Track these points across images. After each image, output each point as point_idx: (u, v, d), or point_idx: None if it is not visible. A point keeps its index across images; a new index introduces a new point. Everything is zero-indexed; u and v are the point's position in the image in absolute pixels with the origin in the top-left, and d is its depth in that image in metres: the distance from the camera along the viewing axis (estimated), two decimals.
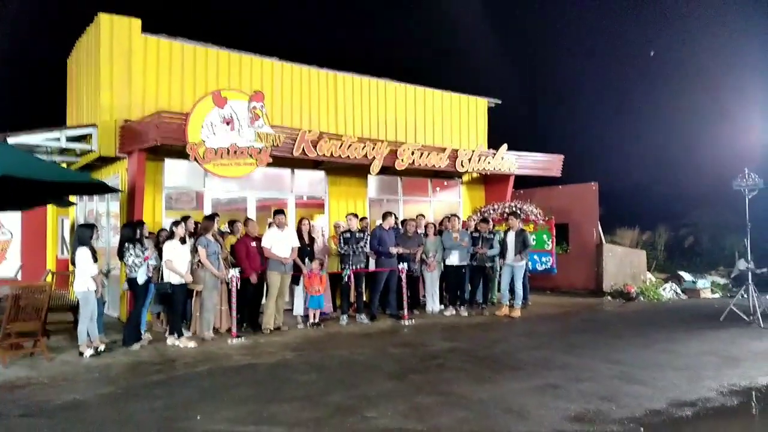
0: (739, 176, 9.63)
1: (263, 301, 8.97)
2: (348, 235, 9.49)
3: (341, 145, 10.16)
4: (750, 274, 9.60)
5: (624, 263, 13.38)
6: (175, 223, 7.82)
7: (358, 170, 11.26)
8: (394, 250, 9.72)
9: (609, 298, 12.56)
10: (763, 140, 17.00)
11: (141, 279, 7.46)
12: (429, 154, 11.43)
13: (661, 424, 4.59)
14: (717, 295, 12.85)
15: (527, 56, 28.15)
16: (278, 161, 9.79)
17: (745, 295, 9.61)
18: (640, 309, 11.33)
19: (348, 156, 10.28)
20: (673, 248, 16.77)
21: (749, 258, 9.70)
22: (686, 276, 13.39)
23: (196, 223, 8.41)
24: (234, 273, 8.05)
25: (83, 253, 7.08)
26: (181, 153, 8.94)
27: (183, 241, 7.75)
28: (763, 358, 6.86)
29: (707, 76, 23.84)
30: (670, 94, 23.92)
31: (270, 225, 9.09)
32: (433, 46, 29.64)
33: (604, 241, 13.50)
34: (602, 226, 13.77)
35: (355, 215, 9.99)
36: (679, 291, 12.85)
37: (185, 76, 10.32)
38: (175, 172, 9.94)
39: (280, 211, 9.05)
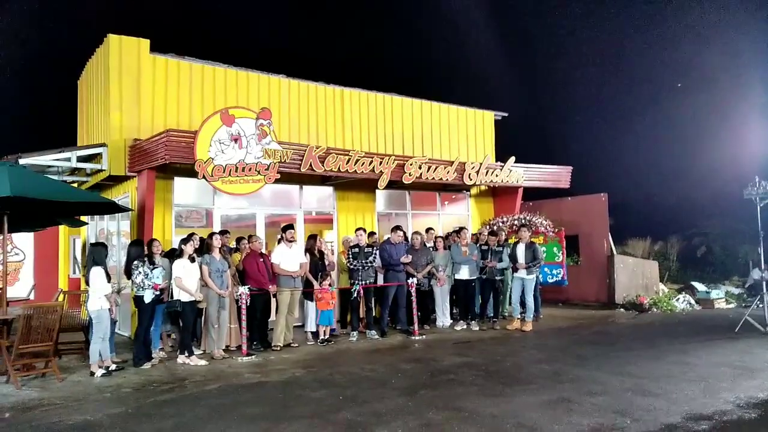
0: (749, 185, 9.55)
1: (272, 318, 8.96)
2: (357, 250, 9.49)
3: (349, 161, 10.20)
4: (765, 283, 9.47)
5: (636, 274, 13.25)
6: (184, 241, 7.86)
7: (366, 185, 11.29)
8: (405, 259, 9.70)
9: (621, 310, 12.43)
10: None
11: (148, 298, 7.48)
12: (436, 167, 11.44)
13: None
14: (732, 306, 12.68)
15: (534, 68, 28.20)
16: (286, 177, 9.84)
17: (761, 305, 9.47)
18: (654, 320, 11.19)
19: (355, 171, 10.31)
20: (685, 258, 16.60)
21: (763, 267, 9.58)
22: (699, 286, 13.24)
23: (201, 239, 8.44)
24: (243, 290, 8.06)
25: (97, 272, 7.13)
26: (190, 171, 9.01)
27: (192, 259, 7.78)
28: None
29: (715, 82, 23.76)
30: (678, 103, 23.85)
31: (279, 241, 9.11)
32: (439, 59, 29.80)
33: (615, 252, 13.39)
34: (613, 237, 13.67)
35: (364, 230, 10.00)
36: (692, 302, 12.69)
37: (193, 95, 10.44)
38: (184, 190, 10.01)
39: (289, 227, 9.08)
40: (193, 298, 7.66)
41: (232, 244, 9.18)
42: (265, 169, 9.19)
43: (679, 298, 12.71)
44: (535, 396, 5.79)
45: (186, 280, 7.61)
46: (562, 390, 5.98)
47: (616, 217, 14.28)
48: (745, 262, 13.30)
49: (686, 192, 19.64)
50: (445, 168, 11.57)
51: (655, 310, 12.23)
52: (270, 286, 8.52)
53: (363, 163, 10.37)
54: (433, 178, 11.41)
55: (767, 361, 7.13)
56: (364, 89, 12.64)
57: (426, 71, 27.63)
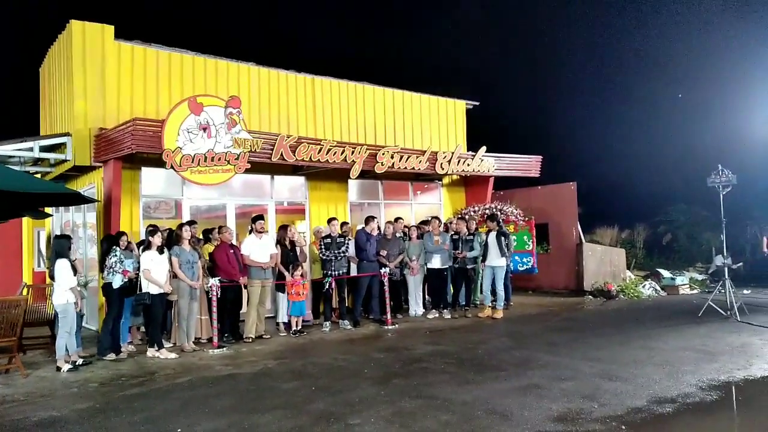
0: (713, 173, 9.79)
1: (244, 309, 8.89)
2: (329, 240, 9.45)
3: (320, 150, 10.12)
4: (726, 269, 9.76)
5: (604, 262, 13.51)
6: (151, 232, 7.71)
7: (338, 175, 11.22)
8: (384, 258, 9.73)
9: (590, 297, 12.67)
10: (735, 136, 17.35)
11: (116, 283, 7.38)
12: (408, 157, 11.44)
13: (642, 422, 4.63)
14: (695, 291, 13.04)
15: (506, 58, 28.36)
16: (257, 167, 9.72)
17: (723, 290, 9.76)
18: (621, 307, 11.45)
19: (327, 160, 10.24)
20: (651, 246, 17.00)
21: (726, 253, 9.87)
22: (665, 273, 13.58)
23: (170, 231, 8.29)
24: (214, 282, 7.97)
25: (62, 265, 6.95)
26: (157, 161, 8.83)
27: (161, 250, 7.65)
28: (740, 352, 6.96)
29: (680, 73, 24.28)
30: (645, 93, 24.30)
31: (250, 232, 9.02)
32: (412, 48, 29.74)
33: (584, 241, 13.63)
34: (582, 225, 13.90)
35: (336, 220, 9.96)
36: (658, 288, 13.02)
37: (160, 83, 10.20)
38: (152, 180, 9.81)
39: (259, 217, 8.99)
40: (162, 291, 7.54)
41: (200, 236, 9.04)
42: (235, 159, 9.05)
43: (645, 285, 13.02)
44: (506, 383, 5.87)
45: (154, 272, 7.48)
46: (532, 376, 6.08)
47: (585, 206, 14.51)
48: (708, 248, 13.68)
49: (653, 181, 20.09)
50: (417, 157, 11.57)
51: (622, 296, 12.51)
52: (240, 278, 8.43)
53: (335, 152, 10.30)
54: (406, 168, 11.40)
55: (728, 345, 7.36)
56: (336, 78, 12.54)
57: (398, 60, 27.57)
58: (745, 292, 11.35)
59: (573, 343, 7.80)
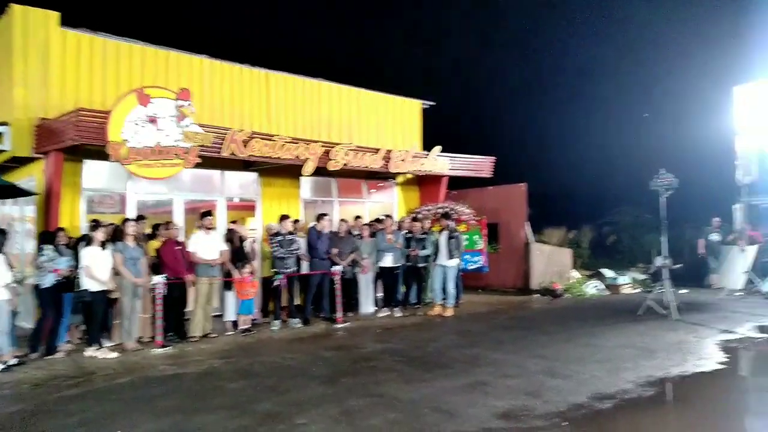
0: (655, 176, 10.14)
1: (190, 308, 8.67)
2: (280, 237, 9.34)
3: (273, 146, 9.98)
4: (666, 270, 10.15)
5: (551, 261, 13.84)
6: (92, 227, 7.43)
7: (291, 171, 11.09)
8: (335, 256, 9.69)
9: (537, 295, 12.96)
10: (678, 141, 18.10)
11: (47, 283, 7.14)
12: (363, 154, 11.42)
13: (582, 418, 4.76)
14: (637, 291, 13.50)
15: (463, 59, 28.71)
16: (207, 162, 9.50)
17: (662, 290, 10.14)
18: (566, 305, 11.76)
19: (280, 157, 10.11)
20: (596, 246, 17.50)
21: (665, 254, 10.26)
22: (608, 273, 14.01)
23: (115, 227, 8.00)
24: (159, 279, 7.75)
25: None
26: (101, 153, 8.50)
27: (103, 246, 7.38)
28: (676, 349, 7.25)
29: (625, 78, 25.17)
30: (595, 98, 25.05)
31: (198, 228, 8.81)
32: (369, 46, 29.72)
33: (532, 241, 13.92)
34: (531, 225, 14.19)
35: (288, 217, 9.85)
36: (601, 287, 13.43)
37: (107, 74, 9.85)
38: (95, 173, 9.44)
39: (207, 213, 8.80)
40: (103, 288, 7.28)
41: (149, 231, 8.78)
42: (185, 153, 8.83)
43: (589, 284, 13.40)
44: (453, 380, 5.94)
45: (95, 268, 7.21)
46: (479, 374, 6.17)
47: (535, 207, 14.80)
48: (649, 249, 14.18)
49: (600, 183, 20.71)
50: (371, 156, 11.57)
51: (567, 295, 12.85)
52: (187, 276, 8.23)
53: (288, 148, 10.18)
54: (360, 166, 11.39)
55: (665, 342, 7.66)
56: (291, 73, 12.40)
57: (355, 58, 27.50)
58: (682, 291, 11.83)
59: (520, 341, 7.96)
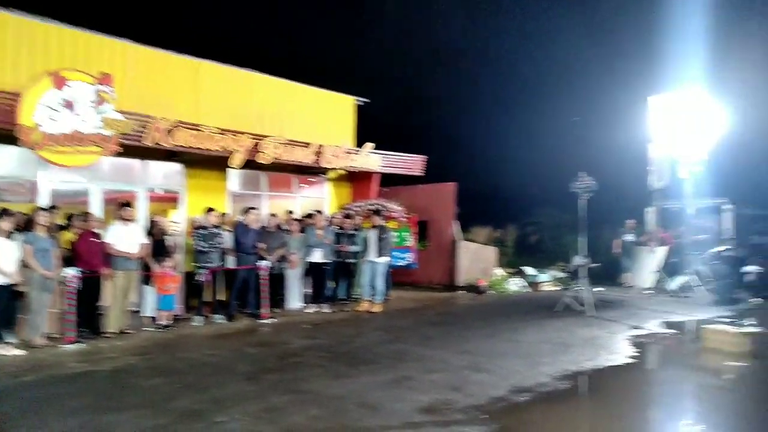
0: (575, 179, 10.61)
1: (105, 302, 8.24)
2: (204, 231, 9.06)
3: (200, 136, 9.66)
4: (584, 268, 10.65)
5: (477, 259, 14.21)
6: None
7: (218, 163, 10.75)
8: (263, 250, 9.48)
9: (463, 292, 13.26)
10: (597, 146, 19.00)
11: None
12: (294, 148, 11.26)
13: (502, 410, 4.90)
14: (557, 288, 14.08)
15: (395, 55, 28.88)
16: (129, 151, 9.08)
17: (580, 288, 10.62)
18: (490, 302, 12.10)
19: (207, 147, 9.80)
20: (520, 245, 18.15)
21: (584, 254, 10.77)
22: (530, 270, 14.54)
23: (26, 217, 7.49)
24: (72, 272, 7.32)
25: None
26: (10, 137, 7.93)
27: (10, 236, 6.89)
28: (590, 344, 7.61)
29: (551, 85, 26.20)
30: (520, 101, 25.91)
31: (116, 219, 8.40)
32: (303, 40, 29.36)
33: (460, 238, 14.23)
34: (460, 224, 14.50)
35: (214, 210, 9.56)
36: (524, 284, 13.91)
37: (20, 53, 9.17)
38: (4, 159, 8.79)
39: (126, 204, 8.41)
40: (7, 281, 6.79)
41: (62, 222, 8.27)
42: (103, 140, 8.38)
43: (512, 282, 13.86)
44: (379, 375, 5.96)
45: (1, 259, 6.72)
46: (405, 369, 6.22)
47: (463, 206, 15.14)
48: (569, 249, 14.82)
49: (525, 184, 21.42)
50: (303, 150, 11.43)
51: (492, 292, 13.22)
52: (103, 269, 7.81)
53: (216, 139, 9.88)
54: (291, 160, 11.23)
55: (581, 338, 8.02)
56: (221, 63, 12.04)
57: (290, 51, 27.09)
58: (598, 289, 12.44)
59: (445, 337, 8.11)
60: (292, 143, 11.33)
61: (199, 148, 9.71)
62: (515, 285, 13.73)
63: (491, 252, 14.75)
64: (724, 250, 11.85)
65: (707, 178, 13.88)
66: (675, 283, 12.90)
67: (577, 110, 22.30)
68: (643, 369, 6.82)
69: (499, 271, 14.32)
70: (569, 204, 11.10)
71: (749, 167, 15.96)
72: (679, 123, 14.01)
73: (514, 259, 16.32)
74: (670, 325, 9.06)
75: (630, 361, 6.78)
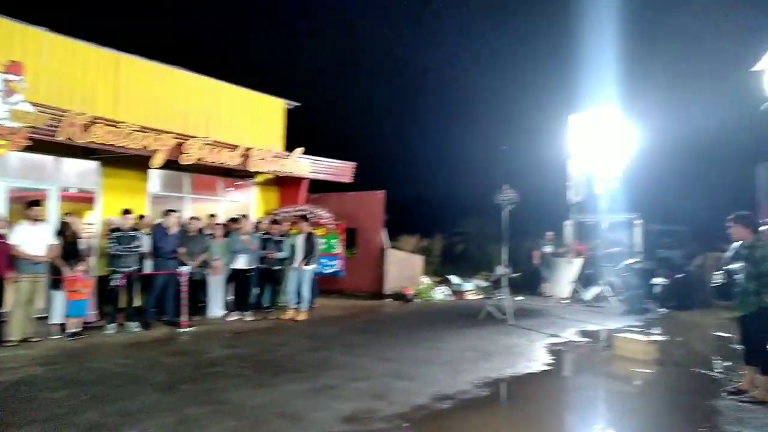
0: (499, 191, 10.93)
1: (7, 308, 7.64)
2: (120, 233, 8.61)
3: (119, 133, 9.19)
4: (506, 278, 10.98)
5: (404, 267, 14.33)
6: None
7: (138, 162, 10.28)
8: (184, 255, 9.11)
9: (390, 300, 13.32)
10: (521, 160, 19.74)
11: None
12: (220, 150, 10.95)
13: (423, 418, 4.93)
14: (480, 297, 14.44)
15: (329, 64, 28.85)
16: (41, 146, 8.51)
17: (501, 297, 10.93)
18: (415, 310, 12.22)
19: (126, 146, 9.34)
20: (447, 254, 18.49)
21: (506, 264, 11.10)
22: (455, 279, 14.83)
23: None
24: None
25: None
26: None
27: None
28: (510, 352, 7.83)
29: (479, 100, 27.02)
30: (450, 112, 26.58)
31: (23, 219, 7.82)
32: (236, 42, 28.74)
33: (388, 246, 14.31)
34: (388, 232, 14.58)
35: (131, 212, 9.12)
36: (448, 293, 14.17)
37: None
38: None
39: (34, 203, 7.86)
40: None
41: None
42: (11, 133, 7.81)
43: (437, 290, 14.08)
44: (301, 384, 5.85)
45: None
46: (328, 377, 6.14)
47: (392, 214, 15.26)
48: (492, 259, 15.24)
49: (452, 195, 21.92)
50: (229, 152, 11.13)
51: (418, 300, 13.37)
52: (6, 272, 7.24)
53: (136, 137, 9.44)
54: (216, 162, 10.90)
55: (501, 345, 8.23)
56: (145, 58, 11.55)
57: (220, 50, 26.44)
58: (518, 298, 12.86)
59: (370, 344, 8.09)
60: (218, 144, 11.02)
61: (117, 146, 9.23)
62: (440, 293, 13.95)
63: (418, 260, 14.93)
64: (634, 263, 12.56)
65: (621, 194, 14.71)
66: (590, 293, 13.55)
67: (506, 125, 23.10)
68: (559, 376, 7.07)
69: (426, 280, 14.51)
70: (494, 215, 11.40)
71: (658, 185, 17.05)
72: (596, 141, 14.77)
73: (440, 267, 16.60)
74: (584, 333, 9.47)
75: (547, 368, 7.02)
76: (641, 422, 5.27)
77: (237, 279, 10.21)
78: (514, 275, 11.35)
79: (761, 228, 6.12)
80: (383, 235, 14.25)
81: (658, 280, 12.08)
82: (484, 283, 14.85)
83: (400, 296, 13.28)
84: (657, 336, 7.99)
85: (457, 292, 14.26)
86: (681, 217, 15.91)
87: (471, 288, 14.51)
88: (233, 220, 10.80)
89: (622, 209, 14.44)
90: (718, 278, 6.14)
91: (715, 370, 6.69)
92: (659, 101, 17.76)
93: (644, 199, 15.17)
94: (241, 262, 10.05)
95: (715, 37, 20.02)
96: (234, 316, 9.96)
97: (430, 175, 23.26)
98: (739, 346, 6.03)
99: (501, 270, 11.19)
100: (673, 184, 17.78)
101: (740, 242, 5.79)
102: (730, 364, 6.73)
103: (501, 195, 10.84)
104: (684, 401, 5.83)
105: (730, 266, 5.85)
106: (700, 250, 13.78)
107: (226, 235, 10.20)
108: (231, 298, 10.43)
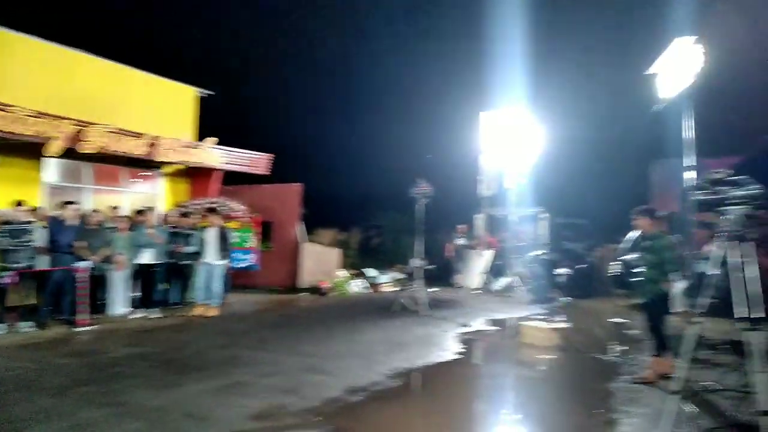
0: (415, 185, 11.09)
1: None
2: (12, 227, 7.94)
3: (8, 118, 8.48)
4: (420, 270, 11.17)
5: (321, 261, 14.24)
6: None
7: (32, 150, 9.55)
8: (84, 249, 8.51)
9: (306, 293, 13.20)
10: (438, 155, 20.15)
11: None
12: (124, 139, 10.41)
13: (336, 411, 4.91)
14: (396, 289, 14.62)
15: (248, 52, 28.05)
16: None
17: (416, 288, 11.11)
18: (331, 303, 12.17)
19: (17, 132, 8.64)
20: (364, 247, 18.56)
21: (420, 256, 11.29)
22: (371, 272, 14.93)
23: None
24: None
25: None
26: None
27: None
28: (423, 342, 7.97)
29: (396, 95, 27.29)
30: (368, 107, 26.65)
31: None
32: (146, 27, 27.26)
33: (304, 240, 14.16)
34: (306, 226, 14.43)
35: (24, 203, 8.45)
36: (365, 286, 14.24)
37: None
38: None
39: None
40: None
41: None
42: None
43: (354, 283, 14.11)
44: (209, 382, 5.66)
45: None
46: (238, 374, 5.98)
47: (310, 207, 15.10)
48: (407, 251, 15.47)
49: (369, 188, 21.99)
50: (134, 140, 10.60)
51: (334, 293, 13.33)
52: None
53: (28, 122, 8.77)
54: (120, 151, 10.32)
55: (415, 336, 8.37)
56: (39, 37, 10.70)
57: (129, 34, 24.96)
58: (433, 289, 13.12)
59: (283, 339, 7.96)
60: (122, 132, 10.45)
61: (6, 132, 8.51)
62: (357, 286, 13.99)
63: (335, 254, 14.88)
64: (540, 255, 13.18)
65: (529, 189, 15.39)
66: (499, 283, 14.08)
67: (423, 121, 23.45)
68: (470, 364, 7.27)
69: (342, 273, 14.49)
70: (409, 208, 11.55)
71: (563, 181, 17.94)
72: (505, 138, 15.33)
73: (357, 261, 16.63)
74: (494, 322, 9.82)
75: (458, 357, 7.21)
76: (544, 406, 5.52)
77: (142, 274, 9.72)
78: (429, 267, 11.58)
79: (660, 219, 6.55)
80: (300, 229, 14.09)
81: (561, 271, 12.73)
82: (400, 276, 15.04)
83: (316, 290, 13.18)
84: (560, 324, 8.41)
85: (374, 285, 14.36)
86: (583, 211, 16.84)
87: (387, 280, 14.65)
88: (139, 212, 10.26)
89: (529, 203, 15.11)
90: (615, 268, 6.53)
91: (612, 355, 7.14)
92: (564, 101, 18.69)
93: (550, 194, 15.92)
94: (147, 257, 9.58)
95: (615, 40, 21.33)
96: (138, 314, 9.47)
97: (348, 168, 23.20)
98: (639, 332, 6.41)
99: (416, 262, 11.37)
100: (577, 180, 18.78)
101: (638, 233, 6.18)
102: (626, 348, 7.21)
103: (416, 189, 11.00)
104: (583, 385, 6.17)
105: (626, 257, 6.24)
106: (600, 243, 14.66)
107: (131, 228, 9.68)
108: (136, 294, 9.91)
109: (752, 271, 4.02)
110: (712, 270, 4.34)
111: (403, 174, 12.09)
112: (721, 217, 4.22)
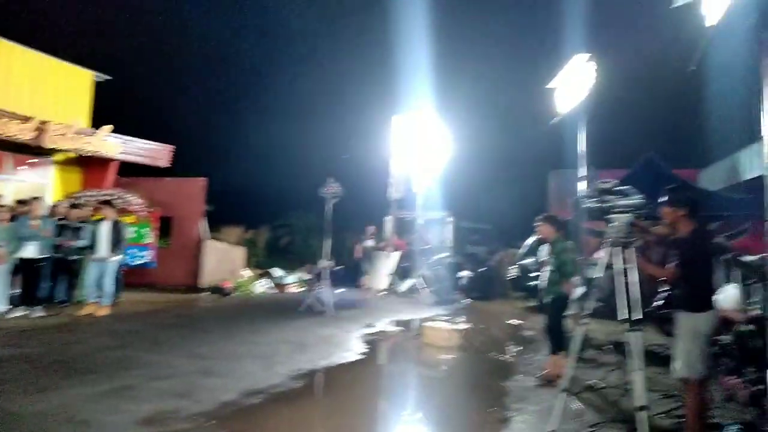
0: (324, 185, 11.01)
1: None
2: None
3: None
4: (327, 270, 11.10)
5: (224, 260, 13.80)
6: None
7: None
8: None
9: (207, 293, 12.73)
10: (350, 155, 20.16)
11: None
12: (8, 122, 9.52)
13: (230, 415, 4.75)
14: (303, 289, 14.46)
15: (152, 40, 26.63)
16: None
17: (323, 289, 11.03)
18: (233, 304, 11.82)
19: None
20: (272, 246, 18.22)
21: (328, 257, 11.22)
22: (277, 272, 14.67)
23: None
24: None
25: None
26: None
27: None
28: (326, 342, 7.92)
29: (311, 96, 27.05)
30: (278, 104, 26.22)
31: None
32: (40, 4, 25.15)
33: (207, 237, 13.65)
34: (210, 223, 13.92)
35: None
36: (270, 286, 13.96)
37: None
38: None
39: None
40: None
41: None
42: None
43: (259, 283, 13.80)
44: (95, 386, 5.29)
45: None
46: (127, 377, 5.64)
47: (215, 204, 14.60)
48: (316, 251, 15.36)
49: (279, 187, 21.60)
50: (19, 124, 9.76)
51: (237, 293, 12.96)
52: None
53: None
54: (3, 135, 9.44)
55: (319, 337, 8.29)
56: None
57: (21, 9, 22.92)
58: (339, 290, 13.09)
59: (179, 341, 7.60)
60: (6, 115, 9.56)
61: None
62: (262, 286, 13.70)
63: (240, 253, 14.49)
64: (444, 257, 13.55)
65: (436, 193, 15.77)
66: (405, 285, 14.31)
67: (335, 122, 23.39)
68: (373, 364, 7.31)
69: (247, 273, 14.14)
70: (319, 208, 11.46)
71: (468, 187, 18.56)
72: (415, 142, 15.62)
73: (264, 260, 16.30)
74: (397, 323, 9.95)
75: (361, 357, 7.23)
76: (443, 404, 5.65)
77: (24, 270, 8.94)
78: (337, 268, 11.54)
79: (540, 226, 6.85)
80: (202, 225, 13.57)
81: (464, 273, 13.16)
82: (307, 276, 14.89)
83: (218, 290, 12.75)
84: (461, 324, 8.67)
85: (280, 285, 14.12)
86: (487, 216, 17.52)
87: (293, 281, 14.46)
88: (22, 202, 9.44)
89: (436, 207, 15.49)
90: (513, 272, 6.83)
91: (508, 355, 7.45)
92: (471, 110, 19.38)
93: (456, 199, 16.43)
94: (30, 251, 8.83)
95: (520, 53, 22.40)
96: (18, 312, 8.70)
97: (257, 166, 22.63)
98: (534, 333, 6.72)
99: (323, 263, 11.29)
100: (482, 186, 19.50)
101: (534, 239, 6.48)
102: (521, 348, 7.55)
103: (326, 189, 10.92)
104: (480, 383, 6.38)
105: (523, 261, 6.54)
106: (500, 247, 15.31)
107: (13, 219, 8.88)
108: (17, 291, 9.10)
109: (634, 276, 4.33)
110: (597, 274, 4.65)
111: (315, 173, 11.96)
112: (608, 225, 4.52)
